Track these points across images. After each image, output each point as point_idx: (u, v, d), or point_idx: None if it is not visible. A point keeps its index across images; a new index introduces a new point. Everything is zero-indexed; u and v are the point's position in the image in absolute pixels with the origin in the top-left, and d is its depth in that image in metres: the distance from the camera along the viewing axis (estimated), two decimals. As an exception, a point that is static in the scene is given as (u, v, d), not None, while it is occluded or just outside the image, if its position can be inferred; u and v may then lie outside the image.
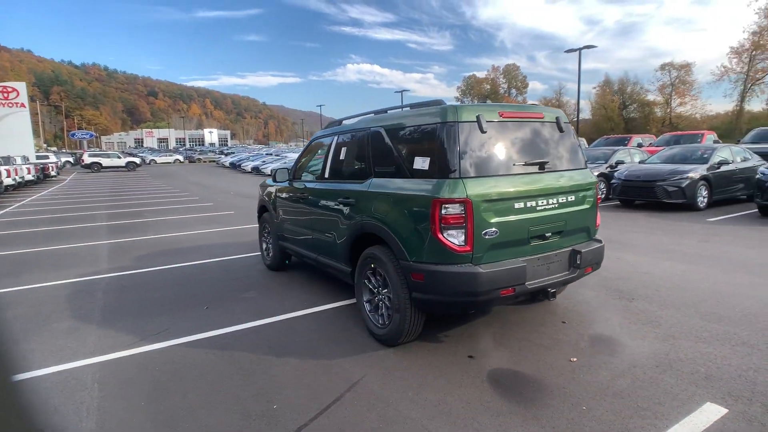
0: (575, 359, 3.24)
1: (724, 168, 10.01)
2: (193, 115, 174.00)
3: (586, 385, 2.88)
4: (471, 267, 3.02)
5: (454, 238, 3.01)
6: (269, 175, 6.91)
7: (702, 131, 17.08)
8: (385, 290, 3.53)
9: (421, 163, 3.26)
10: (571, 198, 3.52)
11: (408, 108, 3.86)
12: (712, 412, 2.56)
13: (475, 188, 3.03)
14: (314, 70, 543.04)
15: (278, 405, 2.76)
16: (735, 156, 10.46)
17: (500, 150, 3.25)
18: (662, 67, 50.52)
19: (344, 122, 4.72)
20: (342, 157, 4.30)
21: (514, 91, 76.87)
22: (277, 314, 4.32)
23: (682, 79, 48.03)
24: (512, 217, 3.17)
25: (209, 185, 21.98)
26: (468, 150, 3.10)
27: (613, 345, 3.47)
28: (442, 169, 3.11)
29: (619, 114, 52.81)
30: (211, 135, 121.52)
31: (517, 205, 3.19)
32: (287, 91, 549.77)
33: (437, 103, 3.46)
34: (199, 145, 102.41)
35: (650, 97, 51.88)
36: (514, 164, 3.28)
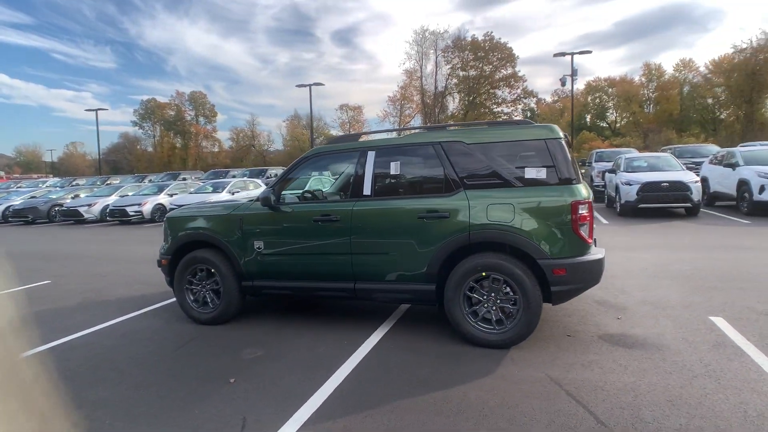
0: (620, 317, 4.30)
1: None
2: None
3: (656, 329, 3.95)
4: (596, 254, 3.66)
5: (586, 233, 3.58)
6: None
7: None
8: (494, 295, 3.68)
9: (536, 173, 3.66)
10: None
11: (485, 126, 4.14)
12: (719, 320, 4.06)
13: (587, 191, 3.70)
14: None
15: (547, 422, 2.64)
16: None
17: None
18: (341, 107, 60.93)
19: (363, 138, 4.40)
20: (396, 172, 4.04)
21: (203, 119, 72.00)
22: (341, 362, 3.60)
23: (356, 118, 59.18)
24: None
25: None
26: (570, 161, 3.73)
27: (615, 305, 4.68)
28: (561, 177, 3.62)
29: (311, 146, 59.86)
30: None
31: None
32: None
33: (525, 122, 3.96)
34: None
35: (334, 132, 61.15)
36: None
